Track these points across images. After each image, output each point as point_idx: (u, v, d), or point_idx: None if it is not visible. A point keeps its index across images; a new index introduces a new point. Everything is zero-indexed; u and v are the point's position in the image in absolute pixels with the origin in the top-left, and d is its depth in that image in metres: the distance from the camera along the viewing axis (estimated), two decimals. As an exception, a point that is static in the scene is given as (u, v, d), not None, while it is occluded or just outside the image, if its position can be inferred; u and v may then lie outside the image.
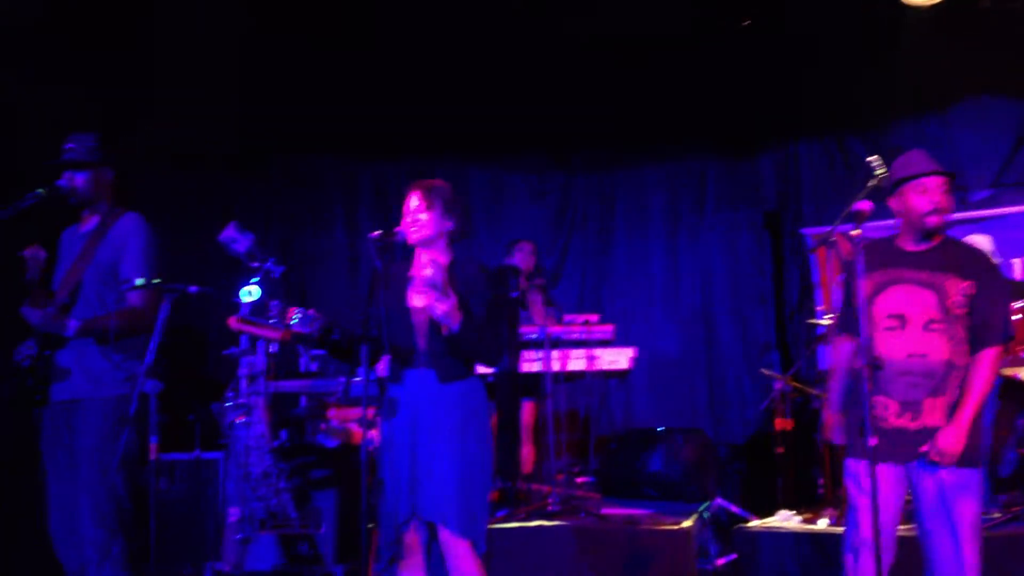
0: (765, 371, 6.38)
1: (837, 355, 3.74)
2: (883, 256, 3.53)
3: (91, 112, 5.33)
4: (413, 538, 3.52)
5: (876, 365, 3.24)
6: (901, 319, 3.43)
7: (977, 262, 3.49)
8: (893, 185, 3.55)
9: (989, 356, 3.40)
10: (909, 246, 3.52)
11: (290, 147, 7.37)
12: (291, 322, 3.39)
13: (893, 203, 3.55)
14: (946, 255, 3.48)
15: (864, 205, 3.42)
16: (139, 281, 3.75)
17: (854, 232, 3.37)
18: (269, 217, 7.52)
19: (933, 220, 3.44)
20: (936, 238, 3.51)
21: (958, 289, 3.41)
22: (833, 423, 3.68)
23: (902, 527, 3.47)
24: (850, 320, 3.55)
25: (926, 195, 3.45)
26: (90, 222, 4.07)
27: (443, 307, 3.34)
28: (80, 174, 4.00)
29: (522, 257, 6.33)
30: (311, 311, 3.49)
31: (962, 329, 3.41)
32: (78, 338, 3.83)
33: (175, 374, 4.09)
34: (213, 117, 6.47)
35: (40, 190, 3.83)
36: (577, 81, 6.74)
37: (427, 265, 3.46)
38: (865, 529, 3.29)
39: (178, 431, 5.20)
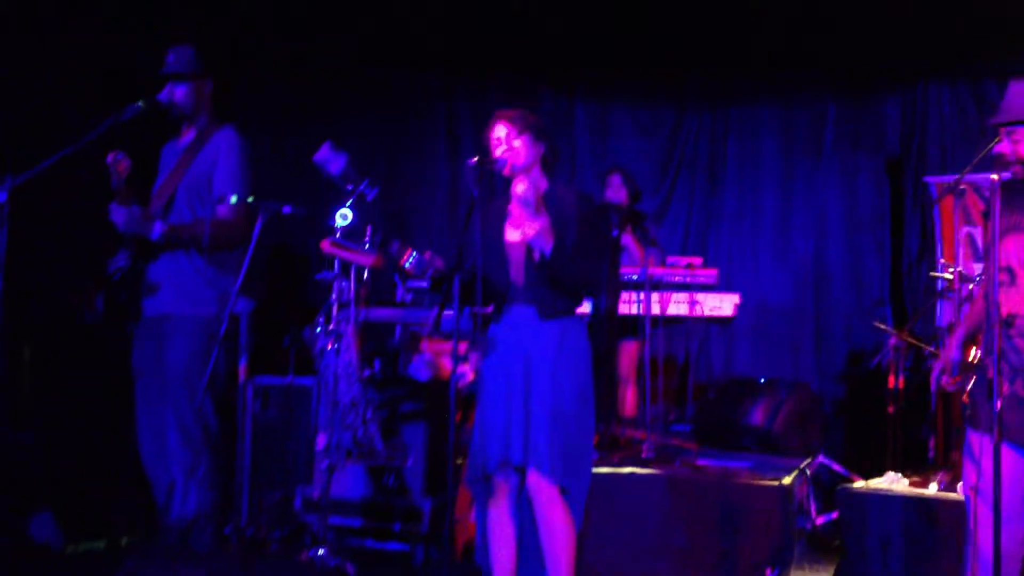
0: (879, 325, 6.04)
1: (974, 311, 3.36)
2: (1012, 198, 3.13)
3: (191, 23, 5.28)
4: (503, 482, 3.40)
5: (1008, 322, 2.88)
6: (1010, 272, 3.08)
7: None
8: (990, 128, 3.18)
9: None
10: None
11: (392, 64, 7.19)
12: (405, 264, 3.31)
13: (996, 147, 3.17)
14: None
15: (1004, 148, 3.10)
16: (232, 198, 3.70)
17: (993, 177, 2.98)
18: (367, 135, 7.34)
19: (1017, 171, 3.09)
20: None
21: None
22: (949, 359, 3.24)
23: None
24: None
25: (1016, 144, 3.09)
26: (188, 135, 4.06)
27: (534, 226, 3.22)
28: (180, 86, 3.98)
29: (611, 192, 5.98)
30: (427, 254, 3.38)
31: None
32: (165, 245, 3.79)
33: (271, 296, 4.03)
34: (315, 31, 6.37)
35: (140, 103, 3.78)
36: (691, 11, 6.41)
37: (521, 184, 3.33)
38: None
39: (274, 355, 5.19)
